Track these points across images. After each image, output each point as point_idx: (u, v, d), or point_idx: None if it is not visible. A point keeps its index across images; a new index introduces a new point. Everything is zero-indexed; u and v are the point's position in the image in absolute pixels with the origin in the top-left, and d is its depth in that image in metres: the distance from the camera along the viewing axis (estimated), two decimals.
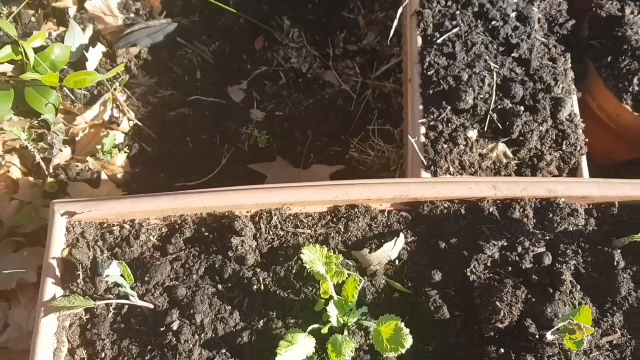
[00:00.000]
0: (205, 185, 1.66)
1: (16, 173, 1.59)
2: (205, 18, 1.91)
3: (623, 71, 1.35)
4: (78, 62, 1.77)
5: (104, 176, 1.62)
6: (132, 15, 1.88)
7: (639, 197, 1.11)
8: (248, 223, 1.12)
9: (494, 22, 1.41)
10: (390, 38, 1.57)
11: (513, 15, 1.43)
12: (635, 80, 1.34)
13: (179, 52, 1.85)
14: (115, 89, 1.72)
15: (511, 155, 1.28)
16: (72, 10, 1.85)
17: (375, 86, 1.83)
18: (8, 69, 1.68)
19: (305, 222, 1.15)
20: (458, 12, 1.42)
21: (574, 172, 1.30)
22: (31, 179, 1.59)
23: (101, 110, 1.70)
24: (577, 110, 1.34)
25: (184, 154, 1.71)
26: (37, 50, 1.64)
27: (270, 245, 1.12)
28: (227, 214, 1.14)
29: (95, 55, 1.77)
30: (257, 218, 1.14)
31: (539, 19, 1.45)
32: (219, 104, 1.80)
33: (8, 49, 1.60)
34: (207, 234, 1.13)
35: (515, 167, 1.29)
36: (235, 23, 1.91)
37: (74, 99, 1.72)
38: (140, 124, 1.71)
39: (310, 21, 1.94)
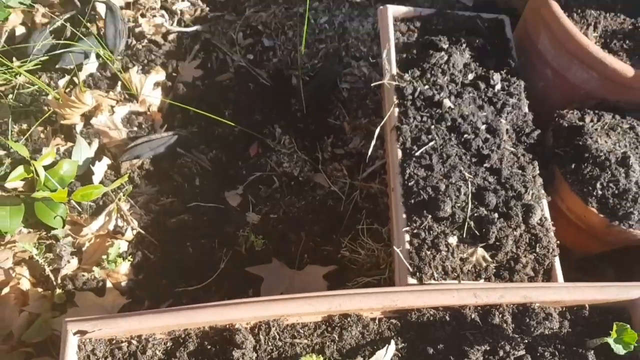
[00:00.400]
0: (205, 289, 1.74)
1: (25, 284, 1.67)
2: (203, 129, 2.07)
3: (586, 177, 1.49)
4: (84, 175, 1.89)
5: (108, 284, 1.70)
6: (135, 129, 2.03)
7: (607, 300, 1.21)
8: (248, 335, 1.20)
9: (465, 135, 1.55)
10: (371, 149, 1.70)
11: (483, 127, 1.58)
12: (598, 185, 1.47)
13: (179, 161, 1.99)
14: (119, 199, 1.84)
15: (489, 259, 1.39)
16: (79, 126, 1.99)
17: (362, 187, 1.96)
18: (19, 184, 1.80)
19: (302, 331, 1.23)
20: (433, 127, 1.57)
21: (549, 273, 1.41)
22: (40, 289, 1.67)
23: (106, 220, 1.80)
24: (547, 214, 1.47)
25: (184, 259, 1.80)
26: (46, 167, 1.77)
27: (269, 357, 1.19)
28: (227, 326, 1.22)
29: (101, 168, 1.90)
30: (256, 330, 1.22)
31: (507, 130, 1.60)
32: (216, 208, 1.92)
33: (20, 169, 1.73)
34: (209, 346, 1.21)
35: (494, 270, 1.39)
36: (230, 132, 2.06)
37: (80, 210, 1.83)
38: (142, 231, 1.81)
39: (300, 128, 2.09)
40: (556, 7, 1.65)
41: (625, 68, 1.56)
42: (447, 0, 2.48)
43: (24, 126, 2.02)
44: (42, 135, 2.00)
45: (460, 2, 2.47)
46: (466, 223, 1.40)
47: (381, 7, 1.85)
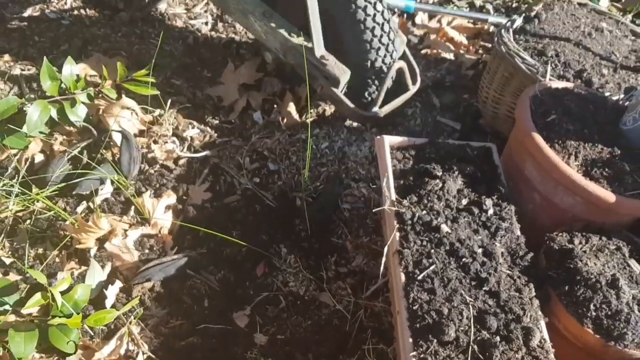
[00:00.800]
0: None
1: None
2: (212, 250, 2.16)
3: (580, 298, 1.57)
4: (97, 297, 1.96)
5: None
6: (147, 251, 2.12)
7: None
8: None
9: (464, 259, 1.65)
10: (381, 271, 1.79)
11: (479, 251, 1.69)
12: (591, 307, 1.55)
13: (189, 283, 2.06)
14: (130, 322, 1.89)
15: None
16: (93, 250, 2.08)
17: (366, 305, 2.03)
18: (34, 309, 1.85)
19: None
20: (433, 251, 1.67)
21: None
22: None
23: (117, 344, 1.84)
24: (546, 336, 1.53)
25: None
26: (62, 292, 1.84)
27: None
28: None
29: (113, 291, 1.97)
30: None
31: (502, 253, 1.70)
32: (224, 330, 1.96)
33: (38, 296, 1.79)
34: None
35: None
36: (238, 253, 2.15)
37: (92, 334, 1.88)
38: (153, 355, 1.85)
39: (304, 247, 2.19)
40: (539, 139, 1.81)
41: (607, 195, 1.70)
42: (437, 123, 2.69)
43: (40, 250, 2.10)
44: (57, 260, 2.08)
45: (448, 125, 2.68)
46: (470, 347, 1.46)
47: (378, 137, 2.02)
